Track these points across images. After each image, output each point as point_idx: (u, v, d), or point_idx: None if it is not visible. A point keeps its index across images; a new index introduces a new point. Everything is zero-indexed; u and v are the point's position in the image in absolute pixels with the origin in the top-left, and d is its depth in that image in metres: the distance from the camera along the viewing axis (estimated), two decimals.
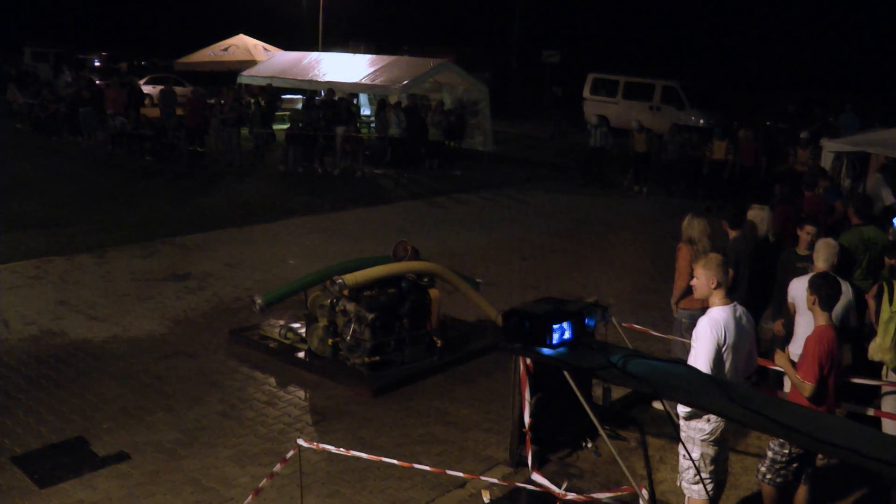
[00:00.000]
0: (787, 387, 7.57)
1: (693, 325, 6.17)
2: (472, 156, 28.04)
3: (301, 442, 6.28)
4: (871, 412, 8.12)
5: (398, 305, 9.70)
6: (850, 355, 8.45)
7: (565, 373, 6.50)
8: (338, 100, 25.53)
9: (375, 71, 27.67)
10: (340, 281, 9.26)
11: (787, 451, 6.42)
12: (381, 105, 25.94)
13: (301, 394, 9.28)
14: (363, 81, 27.47)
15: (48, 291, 12.24)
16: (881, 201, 13.94)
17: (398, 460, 6.81)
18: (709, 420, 5.96)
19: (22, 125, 29.95)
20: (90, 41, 51.95)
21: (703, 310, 6.24)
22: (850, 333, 8.23)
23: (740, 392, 4.65)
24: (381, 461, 6.67)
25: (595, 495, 7.02)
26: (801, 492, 6.73)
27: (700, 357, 5.81)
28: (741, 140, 21.46)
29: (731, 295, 6.21)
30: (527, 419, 7.58)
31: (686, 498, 6.31)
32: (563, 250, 16.17)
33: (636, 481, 7.02)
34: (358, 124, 26.01)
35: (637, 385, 4.79)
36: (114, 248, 14.59)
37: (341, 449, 6.78)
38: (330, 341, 9.71)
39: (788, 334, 8.36)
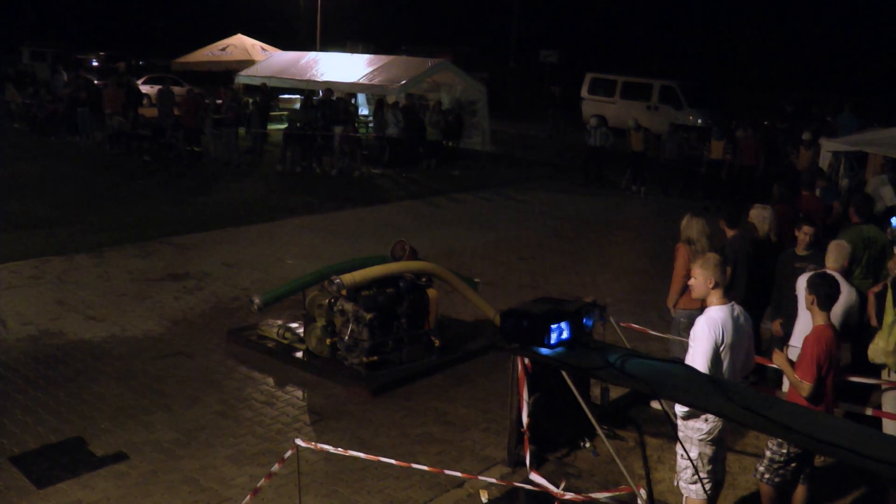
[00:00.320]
0: (786, 386, 7.57)
1: (691, 324, 6.18)
2: (470, 155, 28.04)
3: (299, 442, 6.27)
4: (869, 412, 8.12)
5: (396, 305, 9.69)
6: (849, 355, 8.45)
7: (563, 372, 6.50)
8: (336, 99, 25.53)
9: (373, 71, 27.69)
10: (338, 281, 9.26)
11: (785, 451, 6.42)
12: (378, 105, 25.95)
13: (299, 394, 9.27)
14: (361, 81, 27.48)
15: (46, 291, 12.23)
16: (882, 201, 13.96)
17: (396, 460, 6.81)
18: (706, 420, 5.96)
19: (20, 125, 29.93)
20: (88, 41, 51.97)
21: (701, 309, 6.25)
22: (852, 334, 8.22)
23: (738, 392, 4.65)
24: (380, 461, 6.67)
25: (593, 495, 7.02)
26: (800, 491, 6.73)
27: (698, 357, 5.82)
28: (739, 140, 21.48)
29: (729, 294, 6.21)
30: (525, 419, 7.58)
31: (684, 497, 6.31)
32: (561, 250, 16.17)
33: (634, 481, 7.02)
34: (356, 124, 26.00)
35: (635, 385, 4.80)
36: (112, 248, 14.58)
37: (339, 449, 6.78)
38: (328, 341, 9.71)
39: (787, 334, 8.37)
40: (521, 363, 7.50)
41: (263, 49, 36.08)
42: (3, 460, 7.48)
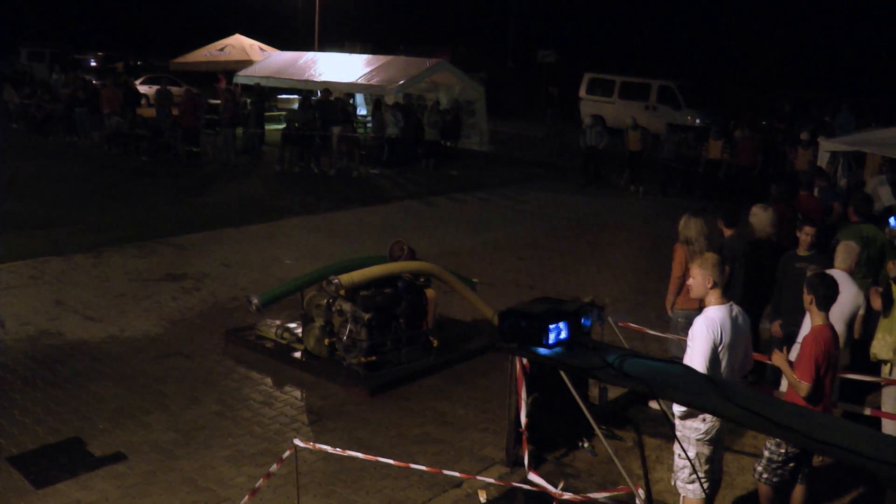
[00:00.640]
0: (784, 386, 7.57)
1: (689, 324, 6.18)
2: (469, 156, 28.04)
3: (297, 442, 6.27)
4: (868, 412, 8.13)
5: (394, 305, 9.70)
6: (848, 354, 8.45)
7: (562, 373, 6.51)
8: (334, 100, 25.52)
9: (371, 71, 27.66)
10: (337, 281, 9.26)
11: (783, 451, 6.42)
12: (376, 105, 25.94)
13: (297, 394, 9.27)
14: (359, 81, 27.45)
15: (44, 292, 12.23)
16: (880, 201, 13.97)
17: (395, 460, 6.81)
18: (704, 419, 5.97)
19: (18, 125, 29.91)
20: (86, 41, 51.90)
21: (699, 309, 6.25)
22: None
23: (737, 391, 4.65)
24: (378, 461, 6.67)
25: (591, 495, 7.02)
26: (798, 491, 6.74)
27: (696, 356, 5.82)
28: (738, 139, 21.49)
29: (728, 294, 6.22)
30: (523, 419, 7.58)
31: (681, 497, 6.32)
32: (559, 250, 16.17)
33: (632, 481, 7.02)
34: (354, 124, 25.99)
35: (633, 385, 4.80)
36: (110, 249, 14.58)
37: (338, 449, 6.78)
38: (326, 341, 9.71)
39: (787, 335, 8.37)
40: (520, 363, 7.51)
41: (262, 49, 36.05)
42: (2, 461, 7.48)
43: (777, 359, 6.60)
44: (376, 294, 9.50)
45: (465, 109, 29.49)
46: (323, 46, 38.04)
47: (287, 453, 6.25)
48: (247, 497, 6.33)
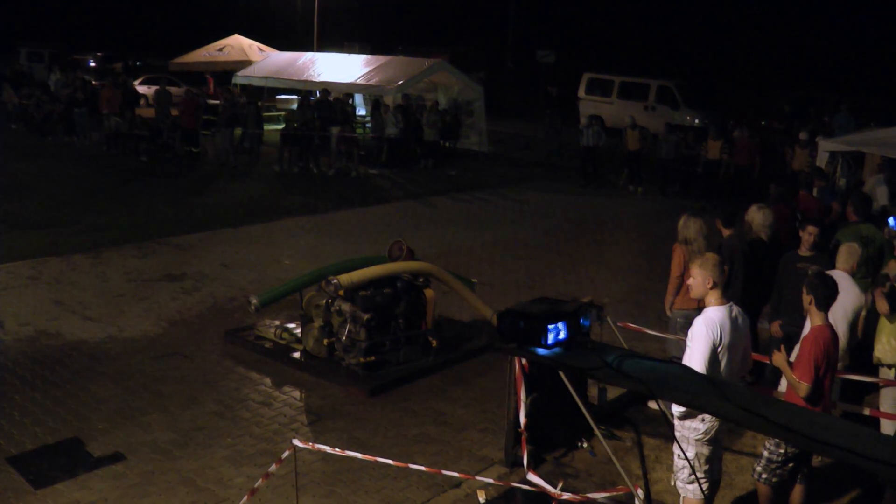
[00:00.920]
0: (783, 386, 7.57)
1: (688, 324, 6.18)
2: (468, 156, 28.04)
3: (296, 442, 6.27)
4: (867, 412, 8.13)
5: (393, 305, 9.70)
6: (848, 355, 8.45)
7: (560, 373, 6.50)
8: (333, 100, 25.52)
9: (370, 71, 27.68)
10: (336, 281, 9.26)
11: (783, 451, 6.42)
12: (375, 105, 25.94)
13: (296, 394, 9.27)
14: (358, 81, 27.47)
15: (43, 292, 12.22)
16: (877, 201, 13.98)
17: (394, 460, 6.82)
18: (703, 419, 5.97)
19: (17, 126, 29.89)
20: (85, 41, 51.88)
21: (699, 310, 6.25)
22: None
23: (736, 392, 4.65)
24: (377, 461, 6.67)
25: (591, 495, 7.03)
26: (797, 491, 6.74)
27: (695, 357, 5.82)
28: (737, 139, 21.50)
29: (727, 294, 6.21)
30: (522, 419, 7.59)
31: (681, 497, 6.32)
32: (558, 250, 16.17)
33: (632, 481, 7.02)
34: (353, 124, 26.00)
35: (632, 385, 4.80)
36: (109, 249, 14.57)
37: (337, 449, 6.78)
38: (325, 341, 9.71)
39: (787, 335, 8.38)
40: (519, 363, 7.51)
41: (261, 49, 36.07)
42: (1, 461, 7.48)
43: (777, 359, 6.60)
44: (375, 294, 9.50)
45: (464, 109, 29.52)
46: (322, 47, 38.03)
47: (286, 453, 6.25)
48: (246, 497, 6.33)
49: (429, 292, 10.04)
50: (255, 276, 13.32)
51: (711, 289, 6.05)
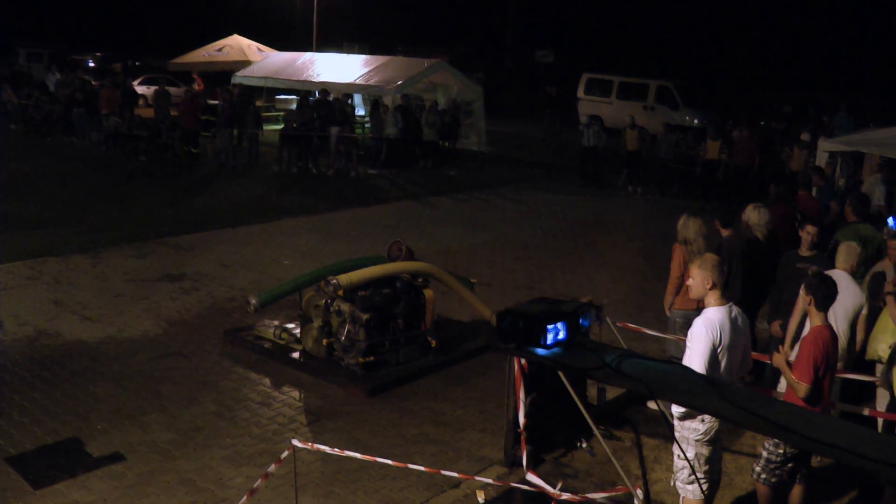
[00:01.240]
0: (782, 386, 7.58)
1: (687, 325, 6.18)
2: (467, 156, 28.03)
3: (296, 442, 6.27)
4: (866, 412, 8.13)
5: (393, 306, 9.70)
6: (848, 354, 8.45)
7: (560, 373, 6.51)
8: (332, 100, 25.52)
9: (369, 71, 27.68)
10: (335, 281, 9.26)
11: (782, 451, 6.42)
12: (374, 105, 25.93)
13: (295, 394, 9.27)
14: (357, 82, 27.47)
15: (43, 292, 12.22)
16: (875, 201, 13.99)
17: (393, 461, 6.82)
18: (703, 420, 5.97)
19: (16, 126, 29.89)
20: (84, 42, 51.88)
21: (698, 310, 6.25)
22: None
23: (735, 392, 4.66)
24: (376, 461, 6.67)
25: (590, 495, 7.03)
26: (796, 491, 6.74)
27: (695, 357, 5.82)
28: (737, 140, 21.50)
29: (726, 294, 6.22)
30: (521, 419, 7.59)
31: (681, 498, 6.32)
32: (557, 250, 16.18)
33: (631, 481, 7.02)
34: (352, 124, 25.99)
35: (631, 385, 4.80)
36: (108, 249, 14.57)
37: (336, 449, 6.78)
38: (324, 342, 9.71)
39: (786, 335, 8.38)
40: (518, 363, 7.51)
41: (260, 49, 36.06)
42: (0, 461, 7.47)
43: (776, 359, 6.60)
44: (374, 294, 9.51)
45: (464, 110, 29.51)
46: (321, 47, 38.06)
47: (285, 453, 6.25)
48: (245, 497, 6.33)
49: (428, 292, 10.04)
50: (255, 277, 13.31)
51: (711, 289, 6.05)
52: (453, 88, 29.37)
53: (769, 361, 7.74)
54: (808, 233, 8.94)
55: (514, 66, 47.30)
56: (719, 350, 5.89)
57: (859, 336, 8.14)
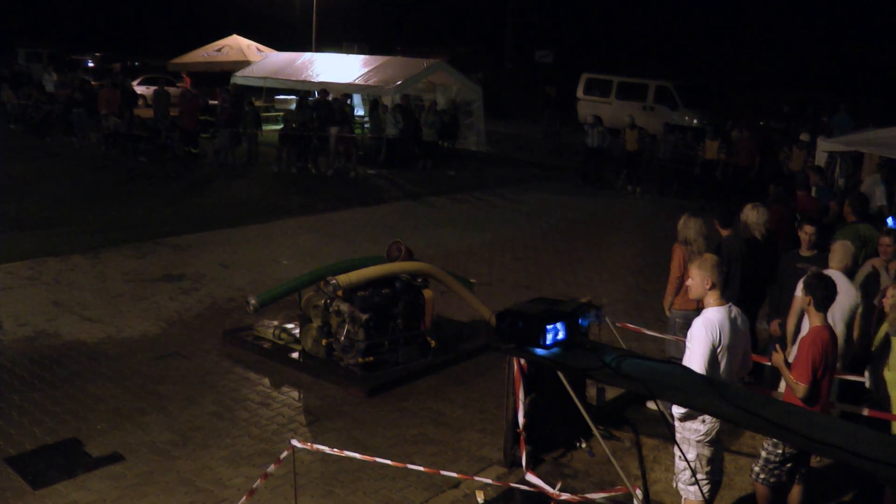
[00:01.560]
0: (782, 387, 7.57)
1: (687, 325, 6.18)
2: (466, 156, 28.04)
3: (295, 442, 6.27)
4: (866, 412, 8.13)
5: (392, 306, 9.70)
6: (845, 354, 8.45)
7: (559, 373, 6.50)
8: (331, 100, 25.53)
9: (369, 71, 27.69)
10: (334, 281, 9.26)
11: (780, 451, 6.42)
12: (373, 105, 25.93)
13: (295, 394, 9.27)
14: (357, 82, 27.48)
15: (42, 292, 12.21)
16: (875, 201, 13.99)
17: (392, 461, 6.82)
18: (704, 421, 5.96)
19: (16, 126, 29.88)
20: (84, 42, 51.87)
21: (698, 310, 6.25)
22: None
23: (734, 392, 4.65)
24: (375, 461, 6.67)
25: (589, 495, 7.03)
26: (796, 492, 6.74)
27: (695, 357, 5.82)
28: (737, 140, 21.50)
29: (725, 294, 6.21)
30: (521, 419, 7.59)
31: (682, 499, 6.31)
32: (556, 250, 16.18)
33: (630, 481, 7.03)
34: (352, 125, 25.99)
35: (631, 386, 4.79)
36: (108, 249, 14.57)
37: (335, 449, 6.78)
38: (324, 342, 9.71)
39: (785, 334, 8.38)
40: (517, 364, 7.51)
41: (259, 50, 36.07)
42: (0, 462, 7.48)
43: (775, 360, 6.60)
44: (374, 294, 9.50)
45: (463, 110, 29.52)
46: (320, 47, 38.05)
47: (284, 454, 6.25)
48: (244, 497, 6.32)
49: (427, 293, 10.04)
50: (254, 277, 13.31)
51: (710, 289, 6.04)
52: (453, 88, 29.39)
53: (769, 362, 7.73)
54: (805, 233, 8.95)
55: (513, 66, 47.29)
56: (719, 350, 5.89)
57: (855, 334, 8.15)
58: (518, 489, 7.19)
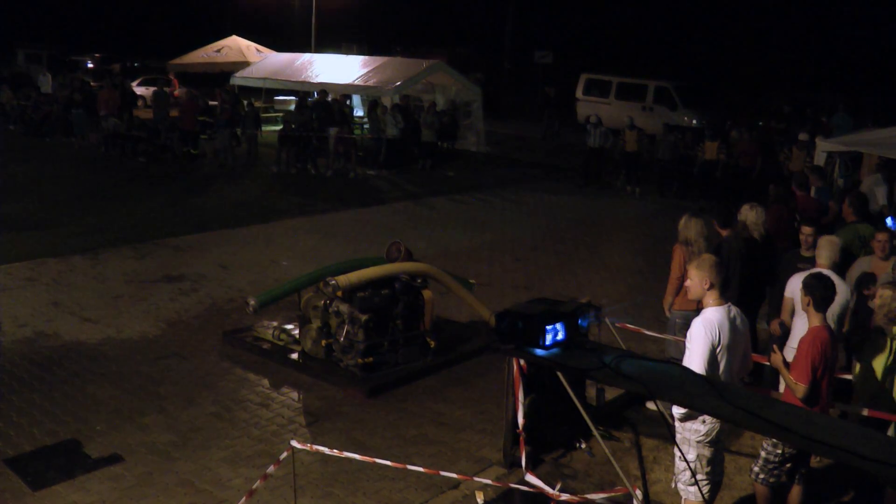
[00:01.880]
0: (782, 387, 7.56)
1: (687, 325, 6.17)
2: (466, 156, 28.04)
3: (294, 443, 6.27)
4: (865, 412, 8.12)
5: (391, 306, 9.69)
6: (843, 356, 8.46)
7: (559, 374, 6.50)
8: (331, 101, 25.52)
9: (368, 72, 27.68)
10: (334, 282, 9.26)
11: (780, 452, 6.42)
12: (372, 106, 25.92)
13: (294, 395, 9.27)
14: (356, 82, 27.46)
15: (41, 293, 12.21)
16: (875, 200, 13.98)
17: (392, 461, 6.82)
18: (704, 421, 5.96)
19: (15, 127, 29.87)
20: (83, 42, 51.84)
21: (697, 311, 6.24)
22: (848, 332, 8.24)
23: (734, 392, 4.65)
24: (375, 462, 6.67)
25: (589, 496, 7.02)
26: (795, 492, 6.74)
27: (694, 358, 5.81)
28: (737, 140, 21.49)
29: (725, 295, 6.21)
30: (520, 420, 7.58)
31: (682, 499, 6.31)
32: (556, 251, 16.17)
33: (630, 482, 7.02)
34: (351, 125, 25.98)
35: (630, 386, 4.79)
36: (107, 250, 14.56)
37: (335, 450, 6.78)
38: (323, 342, 9.71)
39: (785, 335, 8.37)
40: (517, 364, 7.51)
41: (258, 50, 36.06)
42: None
43: (774, 360, 6.59)
44: (373, 295, 9.50)
45: (462, 110, 29.53)
46: (320, 48, 38.04)
47: (284, 454, 6.24)
48: (244, 498, 6.32)
49: (427, 293, 10.03)
50: (254, 277, 13.31)
51: (709, 290, 6.04)
52: (452, 89, 29.39)
53: (768, 363, 7.73)
54: (804, 233, 8.96)
55: (512, 66, 47.25)
56: (718, 350, 5.88)
57: (845, 329, 8.17)
58: (518, 490, 7.19)
